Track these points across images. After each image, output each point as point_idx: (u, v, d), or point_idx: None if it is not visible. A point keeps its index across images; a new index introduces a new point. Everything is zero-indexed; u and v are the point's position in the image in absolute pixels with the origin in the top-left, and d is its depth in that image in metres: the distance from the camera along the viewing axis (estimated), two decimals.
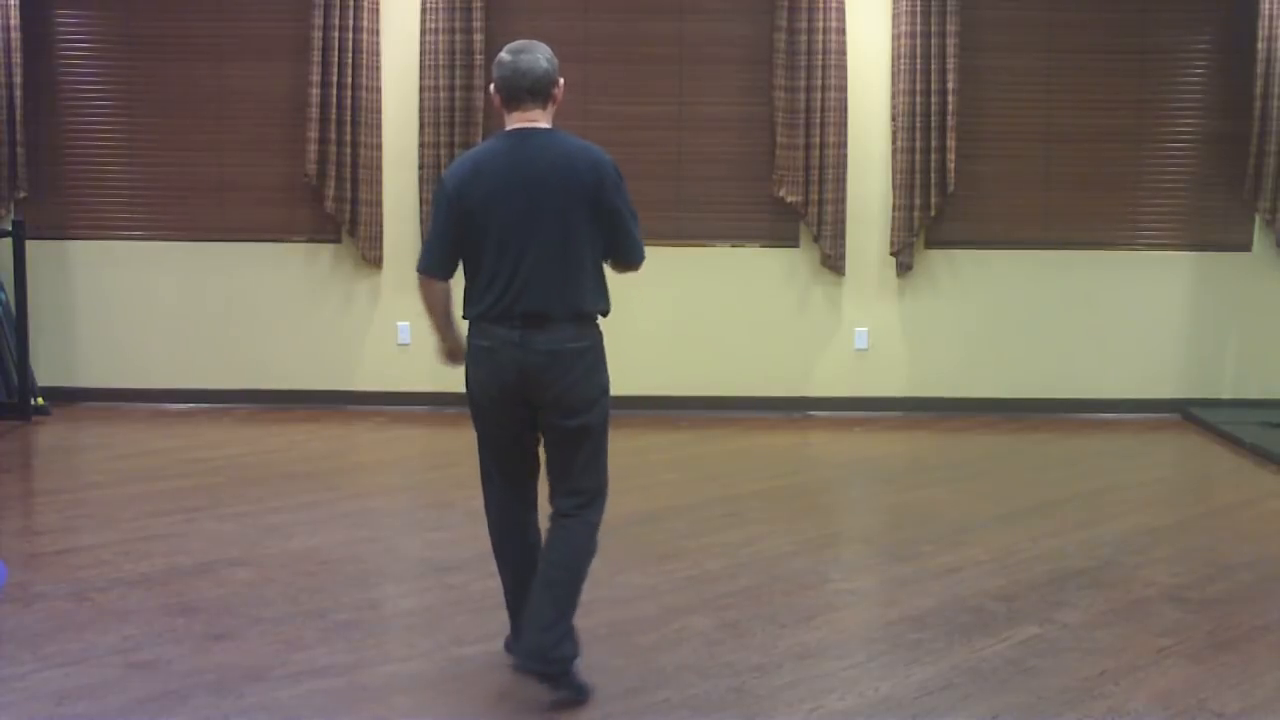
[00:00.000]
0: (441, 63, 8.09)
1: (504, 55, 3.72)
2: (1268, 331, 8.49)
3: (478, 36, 8.06)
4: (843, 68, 8.15)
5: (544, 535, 3.85)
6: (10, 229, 7.97)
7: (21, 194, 8.25)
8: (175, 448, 7.32)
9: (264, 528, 5.61)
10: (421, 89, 8.15)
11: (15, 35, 8.08)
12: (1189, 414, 8.33)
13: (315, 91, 8.06)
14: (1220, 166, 8.40)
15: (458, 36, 8.07)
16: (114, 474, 6.73)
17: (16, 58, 8.09)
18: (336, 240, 8.38)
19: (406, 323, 8.21)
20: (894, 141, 8.23)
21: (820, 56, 8.11)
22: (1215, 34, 8.37)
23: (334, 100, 8.08)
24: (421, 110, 8.16)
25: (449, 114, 8.11)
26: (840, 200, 8.23)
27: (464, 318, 3.77)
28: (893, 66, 8.22)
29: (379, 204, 8.29)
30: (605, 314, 3.79)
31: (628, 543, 5.36)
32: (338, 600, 4.64)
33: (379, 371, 8.38)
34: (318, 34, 8.03)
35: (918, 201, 8.22)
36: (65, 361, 8.42)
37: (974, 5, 8.22)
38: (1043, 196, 8.44)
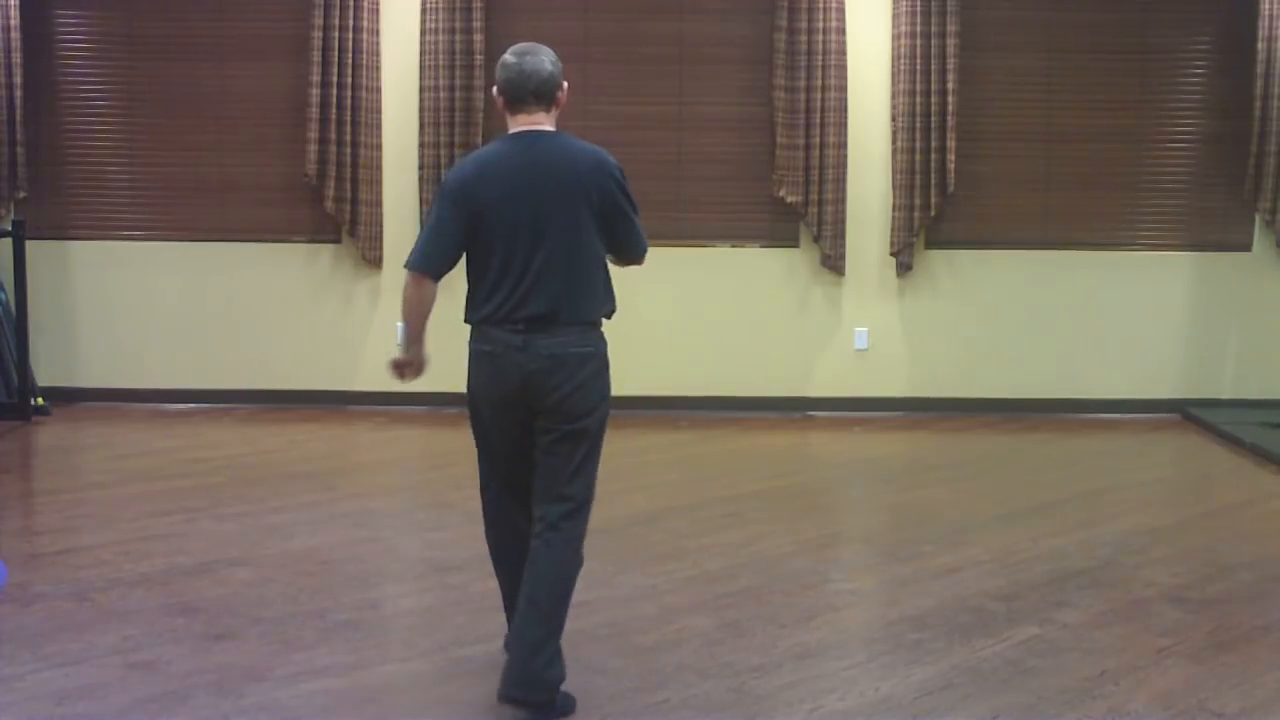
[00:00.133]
0: (441, 63, 8.09)
1: (508, 57, 3.69)
2: (1268, 331, 8.49)
3: (478, 36, 8.07)
4: (843, 68, 8.16)
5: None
6: (10, 229, 7.97)
7: (21, 194, 8.26)
8: (175, 448, 7.32)
9: (264, 528, 5.61)
10: (421, 89, 8.16)
11: (15, 35, 8.09)
12: (1189, 414, 8.33)
13: (315, 91, 8.06)
14: (1220, 166, 8.40)
15: (458, 36, 8.07)
16: (114, 474, 6.73)
17: (16, 58, 8.10)
18: (336, 240, 8.38)
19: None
20: (894, 141, 8.23)
21: (820, 56, 8.11)
22: (1215, 34, 8.37)
23: (334, 100, 8.09)
24: (421, 110, 8.17)
25: (449, 114, 8.11)
26: (840, 200, 8.23)
27: (466, 321, 3.73)
28: (893, 66, 8.22)
29: (379, 204, 8.29)
30: (611, 316, 3.76)
31: (628, 543, 5.37)
32: (338, 600, 4.64)
33: (379, 371, 8.26)
34: (318, 34, 8.04)
35: (918, 201, 8.22)
36: (65, 361, 8.42)
37: (974, 5, 8.23)
38: (1043, 196, 8.44)
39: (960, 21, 8.12)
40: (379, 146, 8.27)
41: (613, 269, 3.80)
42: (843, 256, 8.30)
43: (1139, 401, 8.50)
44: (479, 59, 8.04)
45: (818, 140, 8.17)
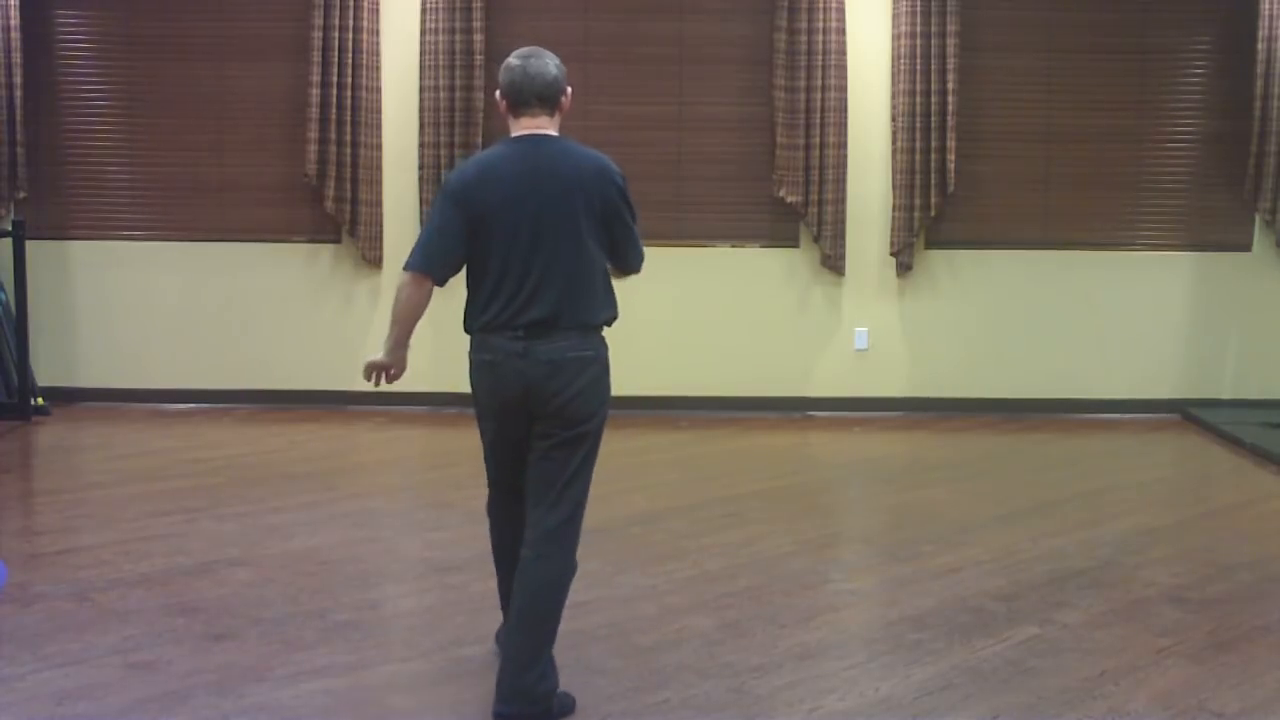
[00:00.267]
0: (441, 63, 8.09)
1: (512, 60, 3.65)
2: (1268, 331, 8.49)
3: (478, 37, 8.06)
4: (843, 68, 8.16)
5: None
6: (10, 229, 7.97)
7: (21, 194, 8.26)
8: (175, 448, 7.32)
9: (264, 528, 5.61)
10: (421, 89, 8.16)
11: (15, 35, 8.09)
12: (1189, 414, 8.33)
13: (315, 91, 8.06)
14: (1220, 166, 8.40)
15: (458, 36, 8.07)
16: (114, 474, 6.73)
17: (16, 58, 8.10)
18: (336, 240, 8.38)
19: None
20: (894, 141, 8.23)
21: (820, 56, 8.11)
22: (1215, 34, 8.37)
23: (334, 100, 8.09)
24: (421, 110, 8.17)
25: (449, 114, 8.11)
26: (840, 200, 8.23)
27: (466, 330, 3.68)
28: (893, 66, 8.22)
29: (379, 204, 8.29)
30: (612, 322, 3.72)
31: (628, 543, 5.36)
32: (338, 600, 4.64)
33: None
34: (318, 34, 8.04)
35: (918, 202, 8.22)
36: (65, 361, 8.42)
37: (974, 5, 8.23)
38: (1043, 196, 8.44)
39: (960, 21, 8.12)
40: (379, 146, 8.27)
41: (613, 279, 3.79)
42: (843, 256, 8.30)
43: (1139, 401, 8.50)
44: (479, 59, 8.04)
45: (818, 140, 8.17)
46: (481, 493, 3.97)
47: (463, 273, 3.71)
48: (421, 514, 6.09)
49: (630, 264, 3.79)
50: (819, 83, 8.13)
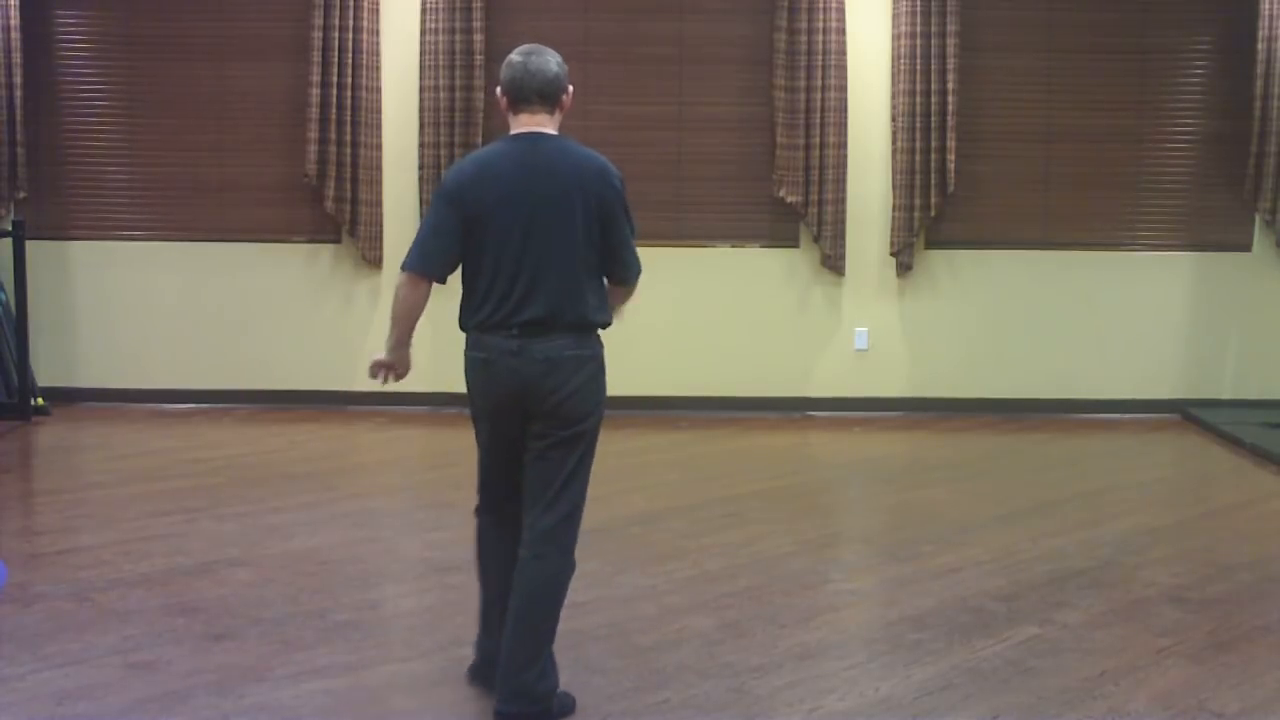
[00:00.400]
0: (441, 63, 8.09)
1: (514, 57, 3.62)
2: (1268, 331, 8.49)
3: (478, 36, 8.07)
4: (843, 68, 8.16)
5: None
6: (10, 229, 7.97)
7: (21, 194, 8.26)
8: (175, 448, 7.32)
9: (264, 528, 5.61)
10: (421, 89, 8.16)
11: (15, 35, 8.09)
12: (1189, 414, 8.33)
13: (315, 91, 8.06)
14: (1220, 166, 8.40)
15: (458, 36, 8.07)
16: (114, 474, 6.73)
17: (16, 58, 8.10)
18: (336, 240, 8.38)
19: None
20: (894, 141, 8.23)
21: (820, 56, 8.11)
22: (1215, 34, 8.37)
23: (334, 100, 8.09)
24: (421, 110, 8.17)
25: (449, 114, 8.11)
26: (840, 200, 8.23)
27: (462, 329, 3.67)
28: (893, 66, 8.22)
29: (379, 204, 8.29)
30: (606, 325, 3.68)
31: (628, 543, 5.36)
32: (338, 600, 4.64)
33: None
34: (318, 34, 8.04)
35: (918, 202, 8.22)
36: (65, 361, 8.42)
37: (974, 5, 8.23)
38: (1043, 196, 8.44)
39: (960, 21, 8.12)
40: (379, 146, 8.27)
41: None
42: (843, 256, 8.30)
43: (1139, 401, 8.50)
44: (479, 59, 8.04)
45: (818, 140, 8.17)
46: None
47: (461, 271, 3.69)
48: (421, 514, 6.09)
49: (628, 274, 3.71)
50: (819, 83, 8.13)
